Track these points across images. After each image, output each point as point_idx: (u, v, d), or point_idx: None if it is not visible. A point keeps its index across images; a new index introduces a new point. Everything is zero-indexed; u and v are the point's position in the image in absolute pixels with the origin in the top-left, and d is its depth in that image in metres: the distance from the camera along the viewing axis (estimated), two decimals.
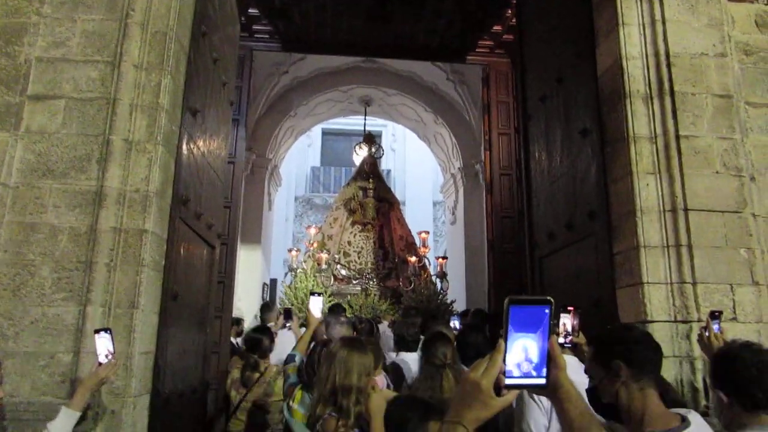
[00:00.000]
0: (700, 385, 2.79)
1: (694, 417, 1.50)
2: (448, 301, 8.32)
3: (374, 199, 9.53)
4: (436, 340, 2.82)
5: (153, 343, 2.77)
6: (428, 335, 3.14)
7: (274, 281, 10.12)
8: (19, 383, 2.41)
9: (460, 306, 8.20)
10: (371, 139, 10.18)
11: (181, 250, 3.26)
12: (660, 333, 2.87)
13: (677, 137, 3.13)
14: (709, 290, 2.93)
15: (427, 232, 9.70)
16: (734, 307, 2.93)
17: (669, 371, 2.75)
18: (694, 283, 2.93)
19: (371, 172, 9.90)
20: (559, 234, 3.97)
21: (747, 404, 1.60)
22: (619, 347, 1.56)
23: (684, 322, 2.89)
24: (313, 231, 9.63)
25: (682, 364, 2.84)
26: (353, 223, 9.52)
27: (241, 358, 3.98)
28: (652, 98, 3.23)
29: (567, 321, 2.53)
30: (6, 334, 2.49)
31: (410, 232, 9.91)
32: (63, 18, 2.91)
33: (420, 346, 3.01)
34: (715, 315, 2.41)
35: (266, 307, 6.54)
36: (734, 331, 2.87)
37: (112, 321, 2.54)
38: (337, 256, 9.20)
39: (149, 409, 2.71)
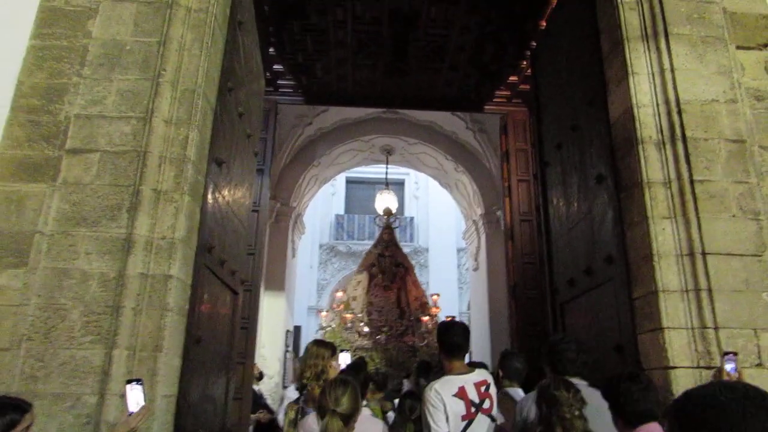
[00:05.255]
0: None
1: (481, 371, 2.98)
2: None
3: (392, 264, 10.88)
4: (407, 397, 3.74)
5: (175, 386, 2.83)
6: (403, 392, 4.25)
7: (297, 328, 10.20)
8: (46, 424, 2.48)
9: (482, 352, 8.12)
10: (389, 211, 11.49)
11: (205, 296, 3.35)
12: (683, 379, 2.81)
13: (691, 182, 3.14)
14: (732, 335, 2.87)
15: (438, 295, 11.38)
16: (759, 353, 2.86)
17: None
18: (716, 328, 2.87)
19: (389, 241, 11.25)
20: (579, 279, 3.96)
21: (557, 371, 2.85)
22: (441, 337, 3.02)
23: (707, 368, 2.82)
24: (339, 294, 11.11)
25: None
26: (375, 286, 10.78)
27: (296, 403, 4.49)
28: (664, 144, 3.27)
29: None
30: (36, 376, 2.58)
31: (424, 293, 11.38)
32: (101, 78, 3.14)
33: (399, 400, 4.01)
34: (729, 355, 2.37)
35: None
36: (761, 378, 2.80)
37: (137, 364, 2.62)
38: (360, 315, 10.31)
39: None
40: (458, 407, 2.74)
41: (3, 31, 3.25)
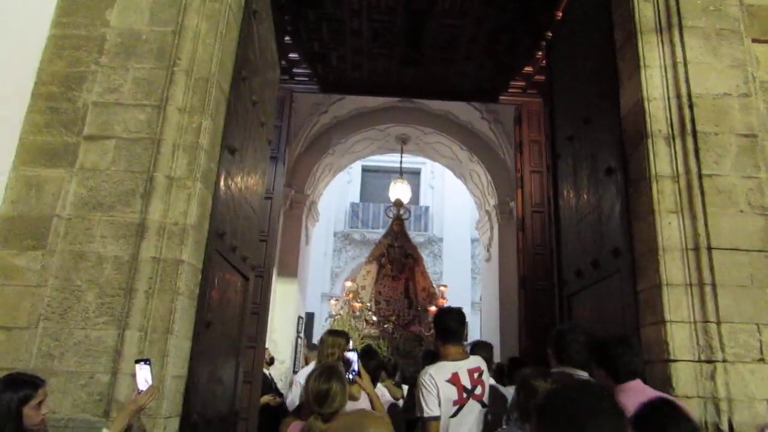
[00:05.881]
0: (725, 426, 2.73)
1: (476, 357, 3.14)
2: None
3: (401, 255, 11.09)
4: (412, 387, 3.80)
5: (185, 368, 2.93)
6: (411, 382, 4.47)
7: (310, 315, 10.37)
8: (61, 400, 2.60)
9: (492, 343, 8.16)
10: (400, 203, 11.60)
11: (216, 281, 3.44)
12: (684, 373, 2.84)
13: (700, 176, 3.13)
14: (734, 330, 2.87)
15: (446, 286, 11.55)
16: (761, 348, 2.86)
17: (693, 412, 2.70)
18: (719, 323, 2.88)
19: (399, 232, 11.44)
20: (586, 271, 3.97)
21: (560, 360, 2.83)
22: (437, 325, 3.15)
23: (708, 361, 2.84)
24: (348, 284, 11.26)
25: (707, 405, 2.78)
26: (384, 276, 11.05)
27: None
28: (674, 138, 3.25)
29: None
30: (52, 354, 2.69)
31: (432, 283, 11.54)
32: (117, 67, 3.22)
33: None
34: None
35: (314, 346, 6.80)
36: (762, 373, 2.82)
37: (148, 345, 2.72)
38: (369, 304, 10.58)
39: None
40: (451, 392, 2.87)
41: (26, 20, 3.34)
